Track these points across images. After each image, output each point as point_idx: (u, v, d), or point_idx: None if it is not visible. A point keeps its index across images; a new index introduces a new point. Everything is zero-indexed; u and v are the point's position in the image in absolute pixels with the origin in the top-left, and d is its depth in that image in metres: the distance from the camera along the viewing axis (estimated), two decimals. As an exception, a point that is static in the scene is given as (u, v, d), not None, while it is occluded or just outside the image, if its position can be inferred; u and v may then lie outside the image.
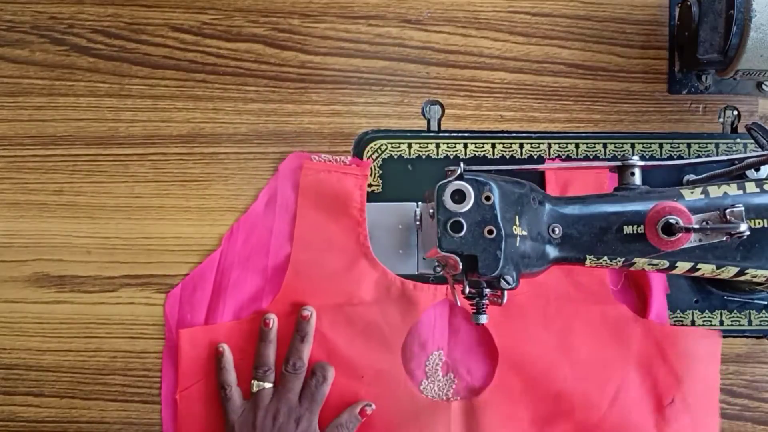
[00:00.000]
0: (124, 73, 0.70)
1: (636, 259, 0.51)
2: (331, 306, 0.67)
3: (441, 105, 0.71)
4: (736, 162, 0.62)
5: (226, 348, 0.66)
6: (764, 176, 0.62)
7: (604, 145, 0.70)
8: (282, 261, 0.68)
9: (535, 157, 0.69)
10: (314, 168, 0.69)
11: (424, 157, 0.70)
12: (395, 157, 0.70)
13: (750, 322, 0.68)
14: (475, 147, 0.69)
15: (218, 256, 0.69)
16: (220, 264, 0.69)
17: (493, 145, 0.70)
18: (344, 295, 0.67)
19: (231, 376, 0.66)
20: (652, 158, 0.69)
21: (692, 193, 0.51)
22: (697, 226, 0.48)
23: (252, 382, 0.65)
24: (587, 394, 0.66)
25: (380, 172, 0.70)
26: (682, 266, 0.52)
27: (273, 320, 0.66)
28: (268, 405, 0.64)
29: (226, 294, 0.68)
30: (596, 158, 0.69)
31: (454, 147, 0.70)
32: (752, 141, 0.59)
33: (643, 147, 0.69)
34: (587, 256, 0.52)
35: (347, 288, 0.67)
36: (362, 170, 0.69)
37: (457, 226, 0.48)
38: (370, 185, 0.69)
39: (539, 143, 0.70)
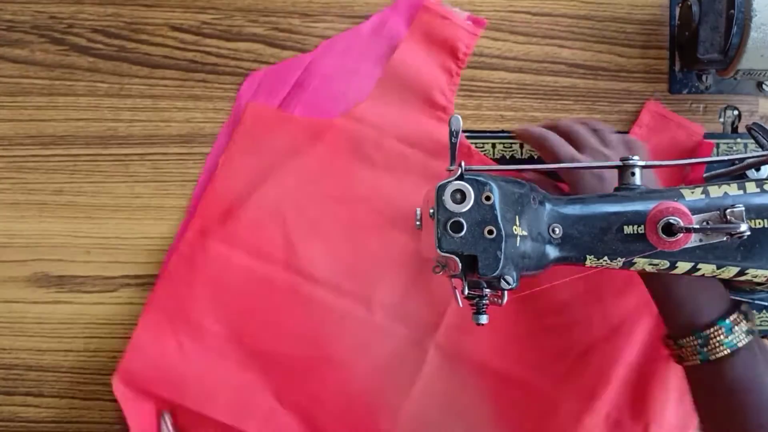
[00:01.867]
0: (124, 72, 0.70)
1: (636, 259, 0.51)
2: (394, 135, 0.68)
3: (441, 105, 0.71)
4: (737, 162, 0.62)
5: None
6: (765, 176, 0.62)
7: (605, 145, 0.69)
8: (366, 84, 0.68)
9: (535, 157, 0.69)
10: (433, 10, 0.69)
11: (424, 156, 0.70)
12: (395, 156, 0.70)
13: (750, 322, 0.68)
14: (475, 147, 0.69)
15: (309, 58, 0.69)
16: (309, 66, 0.69)
17: (493, 145, 0.70)
18: (408, 130, 0.68)
19: None
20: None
21: (692, 193, 0.51)
22: (697, 227, 0.48)
23: None
24: (590, 314, 0.66)
25: (380, 171, 0.70)
26: (683, 266, 0.51)
27: None
28: None
29: (302, 95, 0.68)
30: (596, 158, 0.69)
31: (455, 147, 0.70)
32: (753, 141, 0.59)
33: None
34: (587, 256, 0.52)
35: (411, 127, 0.68)
36: (475, 28, 0.69)
37: (457, 226, 0.48)
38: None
39: (539, 143, 0.69)
